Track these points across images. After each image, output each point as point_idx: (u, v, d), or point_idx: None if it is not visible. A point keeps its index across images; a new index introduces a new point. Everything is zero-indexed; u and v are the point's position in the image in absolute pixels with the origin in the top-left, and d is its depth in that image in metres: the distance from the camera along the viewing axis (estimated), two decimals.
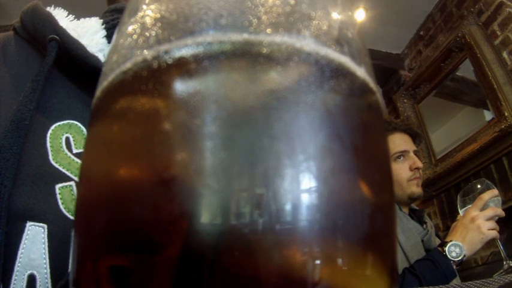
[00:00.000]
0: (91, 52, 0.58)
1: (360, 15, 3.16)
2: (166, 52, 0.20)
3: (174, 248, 0.17)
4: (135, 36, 0.22)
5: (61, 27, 0.58)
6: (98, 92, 0.23)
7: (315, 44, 0.21)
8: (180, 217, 0.17)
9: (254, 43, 0.19)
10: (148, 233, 0.17)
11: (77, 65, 0.57)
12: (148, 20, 0.22)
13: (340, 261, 0.18)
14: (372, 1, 3.08)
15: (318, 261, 0.17)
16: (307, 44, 0.20)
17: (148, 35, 0.21)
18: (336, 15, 0.24)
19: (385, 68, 3.70)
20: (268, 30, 0.20)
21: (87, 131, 0.24)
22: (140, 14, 0.23)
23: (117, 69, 0.21)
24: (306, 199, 0.17)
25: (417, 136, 1.94)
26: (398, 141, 1.84)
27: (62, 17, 0.62)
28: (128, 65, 0.21)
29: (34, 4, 0.61)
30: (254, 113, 0.18)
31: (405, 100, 3.54)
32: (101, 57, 0.60)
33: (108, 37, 0.65)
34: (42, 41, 0.56)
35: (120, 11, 0.69)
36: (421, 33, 3.53)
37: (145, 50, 0.20)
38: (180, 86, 0.19)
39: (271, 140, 0.18)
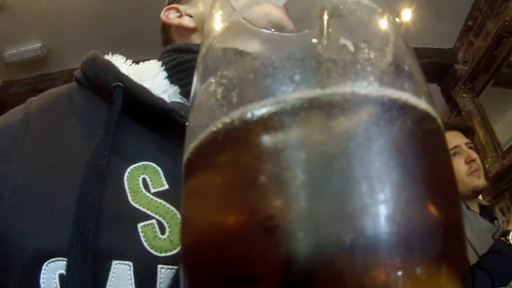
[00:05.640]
0: (155, 94, 0.61)
1: (407, 15, 3.13)
2: (250, 112, 0.23)
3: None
4: (218, 97, 0.25)
5: (123, 74, 0.60)
6: (190, 149, 0.26)
7: (379, 87, 0.23)
8: (284, 258, 0.20)
9: (327, 96, 0.22)
10: (255, 273, 0.21)
11: (143, 109, 0.59)
12: (227, 81, 0.25)
13: (420, 276, 0.20)
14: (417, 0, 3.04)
15: (401, 280, 0.20)
16: (372, 88, 0.23)
17: (230, 95, 0.24)
18: (390, 50, 0.26)
19: (439, 64, 3.62)
20: (338, 82, 0.23)
21: (182, 184, 0.27)
22: (218, 74, 0.26)
23: (207, 129, 0.24)
24: (386, 234, 0.20)
25: (467, 129, 1.90)
26: (449, 139, 1.79)
27: (121, 63, 0.65)
28: (218, 124, 0.24)
29: (93, 54, 0.64)
30: (337, 160, 0.21)
31: (464, 95, 3.43)
32: (166, 98, 0.63)
33: (170, 78, 0.67)
34: (106, 89, 0.59)
35: (177, 50, 0.71)
36: (469, 23, 3.42)
37: (231, 111, 0.23)
38: (268, 142, 0.22)
39: (355, 184, 0.20)
